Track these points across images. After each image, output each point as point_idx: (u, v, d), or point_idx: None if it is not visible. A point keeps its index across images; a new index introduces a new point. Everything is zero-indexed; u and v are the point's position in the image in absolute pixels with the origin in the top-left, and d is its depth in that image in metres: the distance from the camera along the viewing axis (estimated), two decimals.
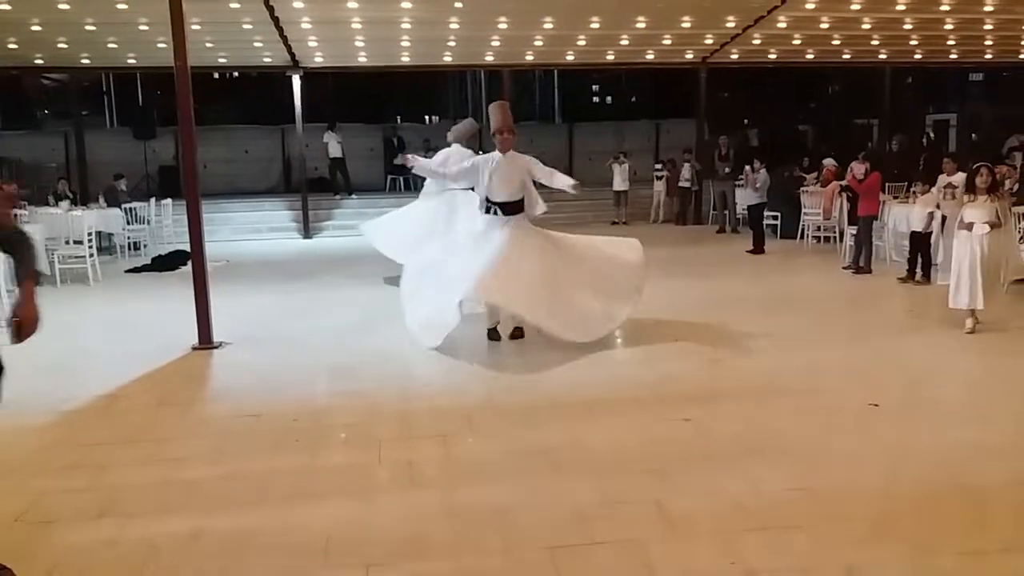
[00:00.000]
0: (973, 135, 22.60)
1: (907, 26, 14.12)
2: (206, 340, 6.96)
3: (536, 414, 5.16)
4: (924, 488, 3.95)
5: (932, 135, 18.43)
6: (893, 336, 7.18)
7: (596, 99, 31.60)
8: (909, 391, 5.63)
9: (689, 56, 16.34)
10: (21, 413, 5.33)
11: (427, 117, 28.50)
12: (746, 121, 25.06)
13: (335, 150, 18.24)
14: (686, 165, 16.44)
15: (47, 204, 13.06)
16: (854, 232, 10.73)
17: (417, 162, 7.95)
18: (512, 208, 6.84)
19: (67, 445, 4.78)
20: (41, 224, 10.88)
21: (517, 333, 7.07)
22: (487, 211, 6.90)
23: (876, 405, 5.13)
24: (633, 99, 30.44)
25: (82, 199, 14.69)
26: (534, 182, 7.02)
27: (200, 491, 4.07)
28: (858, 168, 10.54)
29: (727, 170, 15.21)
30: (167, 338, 7.25)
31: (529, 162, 6.95)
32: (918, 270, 9.54)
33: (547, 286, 6.61)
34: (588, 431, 4.85)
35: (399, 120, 23.84)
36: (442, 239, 7.87)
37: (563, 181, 6.81)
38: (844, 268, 10.68)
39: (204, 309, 6.97)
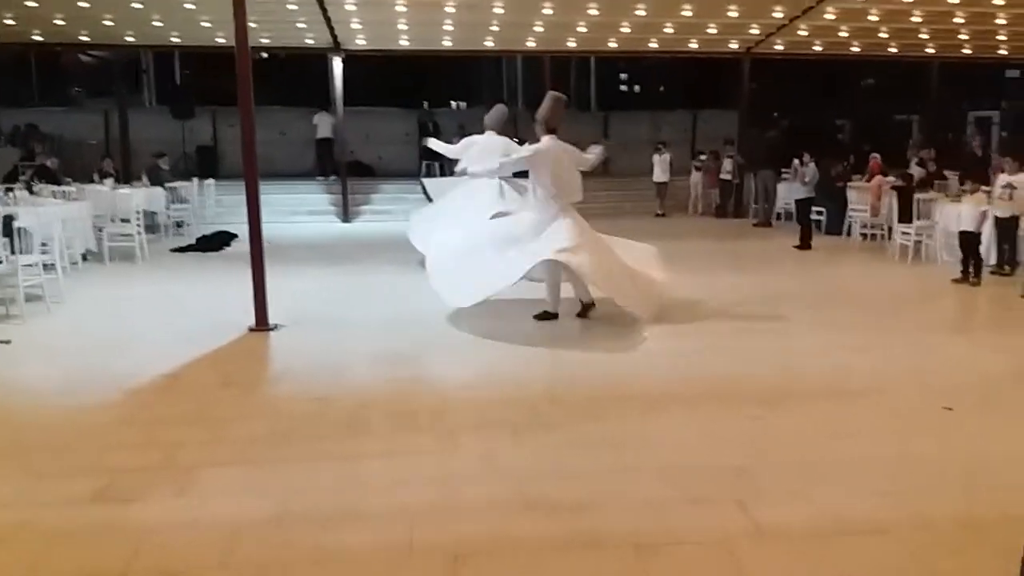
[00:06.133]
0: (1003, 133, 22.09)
1: (958, 20, 13.85)
2: (262, 322, 6.97)
3: (600, 406, 5.12)
4: (1009, 495, 3.88)
5: None
6: (955, 337, 7.09)
7: (634, 87, 31.25)
8: (980, 394, 5.52)
9: (733, 46, 16.14)
10: (83, 389, 5.41)
11: (456, 103, 28.33)
12: (775, 114, 24.74)
13: (325, 131, 18.49)
14: (727, 158, 16.30)
15: (92, 181, 13.14)
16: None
17: (439, 146, 8.21)
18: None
19: (134, 423, 4.80)
20: (89, 201, 10.99)
21: (583, 312, 7.38)
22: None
23: (950, 409, 5.04)
24: (664, 88, 30.07)
25: (124, 177, 14.78)
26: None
27: (276, 474, 4.06)
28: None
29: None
30: (221, 319, 7.28)
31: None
32: (971, 270, 9.38)
33: (613, 262, 7.15)
34: (655, 426, 4.80)
35: (426, 105, 23.76)
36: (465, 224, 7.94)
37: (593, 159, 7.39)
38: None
39: (261, 290, 6.97)
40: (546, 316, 7.25)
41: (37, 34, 14.84)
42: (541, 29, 14.66)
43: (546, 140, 7.07)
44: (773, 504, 3.74)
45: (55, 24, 13.80)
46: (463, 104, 27.76)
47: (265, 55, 25.02)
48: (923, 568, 3.23)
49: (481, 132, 9.51)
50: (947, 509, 3.74)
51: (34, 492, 3.84)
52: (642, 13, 13.40)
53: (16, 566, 3.21)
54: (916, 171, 13.18)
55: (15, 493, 3.82)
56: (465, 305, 6.98)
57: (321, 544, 3.36)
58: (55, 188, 11.53)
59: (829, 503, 3.75)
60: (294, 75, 25.70)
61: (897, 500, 3.82)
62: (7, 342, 6.58)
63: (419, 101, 24.44)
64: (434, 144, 8.92)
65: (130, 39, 15.31)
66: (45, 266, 7.94)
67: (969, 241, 9.42)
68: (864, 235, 12.76)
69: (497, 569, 3.19)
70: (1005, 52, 16.69)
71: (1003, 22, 13.96)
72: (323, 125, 18.62)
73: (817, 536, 3.46)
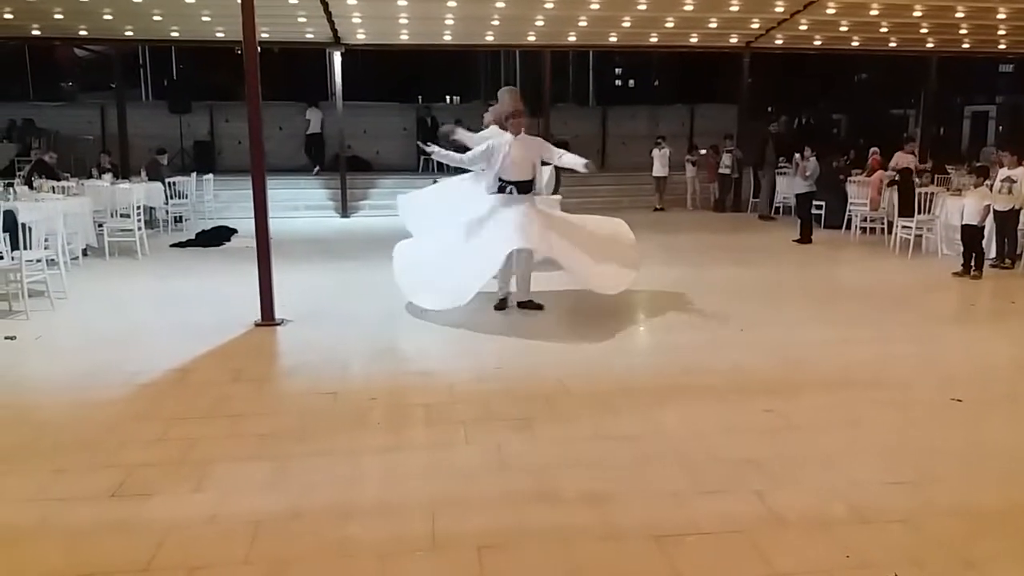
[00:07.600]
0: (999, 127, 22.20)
1: (959, 14, 13.86)
2: (269, 317, 6.95)
3: (612, 399, 5.13)
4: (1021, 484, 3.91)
5: None
6: (959, 329, 7.11)
7: (628, 82, 31.23)
8: (988, 385, 5.55)
9: (733, 40, 16.12)
10: (94, 385, 5.40)
11: (453, 97, 28.23)
12: (769, 109, 24.76)
13: (315, 126, 19.05)
14: (727, 152, 16.31)
15: (90, 176, 13.09)
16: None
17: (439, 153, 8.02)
18: (525, 187, 7.15)
19: (148, 419, 4.77)
20: (89, 196, 10.95)
21: (530, 304, 7.43)
22: (500, 190, 7.13)
23: (959, 400, 5.07)
24: (660, 83, 30.04)
25: (123, 172, 14.73)
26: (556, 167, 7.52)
27: (292, 469, 4.05)
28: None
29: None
30: (226, 314, 7.27)
31: (541, 144, 7.33)
32: (972, 263, 9.41)
33: (571, 242, 7.08)
34: (668, 419, 4.82)
35: (420, 100, 23.74)
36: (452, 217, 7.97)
37: (573, 161, 7.22)
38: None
39: (267, 285, 6.95)
40: (503, 306, 7.45)
41: (36, 28, 14.74)
42: (542, 23, 14.62)
43: (503, 134, 7.17)
44: (791, 494, 3.76)
45: (54, 18, 13.72)
46: (457, 99, 27.70)
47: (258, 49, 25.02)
48: (942, 555, 3.24)
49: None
50: (961, 497, 3.77)
51: (53, 488, 3.83)
52: (644, 7, 13.39)
53: (40, 561, 3.21)
54: (907, 160, 13.23)
55: (34, 489, 3.81)
56: (445, 307, 6.95)
57: (344, 537, 3.36)
58: (54, 183, 11.47)
59: (846, 493, 3.77)
60: (290, 70, 25.64)
61: (912, 489, 3.84)
62: (12, 338, 6.56)
63: (415, 96, 24.39)
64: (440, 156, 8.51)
65: (129, 34, 15.22)
66: (48, 262, 7.91)
67: (972, 235, 9.46)
68: (864, 229, 12.80)
69: (523, 560, 3.19)
70: (1004, 46, 16.72)
71: (1003, 16, 13.99)
72: (314, 120, 19.07)
73: (837, 525, 3.48)
